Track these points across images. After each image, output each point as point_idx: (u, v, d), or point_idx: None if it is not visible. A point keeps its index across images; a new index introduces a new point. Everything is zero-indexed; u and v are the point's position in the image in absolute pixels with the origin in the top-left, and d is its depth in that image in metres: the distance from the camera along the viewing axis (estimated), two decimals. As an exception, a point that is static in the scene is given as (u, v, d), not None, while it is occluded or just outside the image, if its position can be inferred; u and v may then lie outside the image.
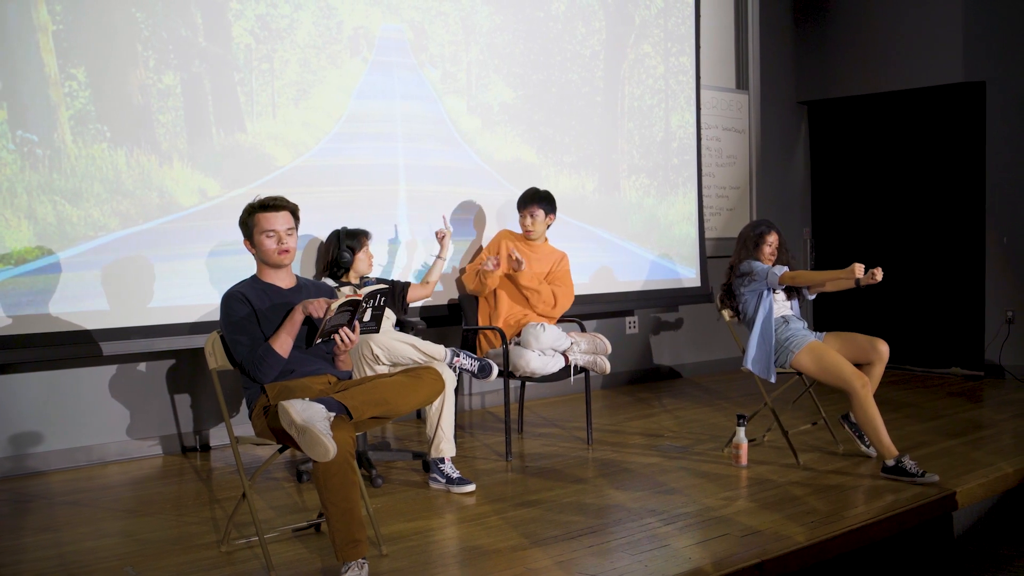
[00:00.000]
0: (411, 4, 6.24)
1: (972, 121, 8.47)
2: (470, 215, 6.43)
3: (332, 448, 3.33)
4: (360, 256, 5.31)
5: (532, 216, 5.90)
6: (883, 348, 5.29)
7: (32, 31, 4.92)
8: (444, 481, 4.80)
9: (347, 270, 5.30)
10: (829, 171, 9.59)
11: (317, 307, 3.73)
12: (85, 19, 5.08)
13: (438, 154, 6.36)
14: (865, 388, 5.04)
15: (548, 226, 5.99)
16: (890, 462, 4.93)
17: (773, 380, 5.35)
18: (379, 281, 5.53)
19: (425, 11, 6.30)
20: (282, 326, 3.77)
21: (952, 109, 8.65)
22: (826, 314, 9.38)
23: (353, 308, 3.74)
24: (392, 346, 4.86)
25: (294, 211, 3.93)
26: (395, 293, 5.57)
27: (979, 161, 8.41)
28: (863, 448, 5.43)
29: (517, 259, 5.73)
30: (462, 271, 6.29)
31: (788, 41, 9.41)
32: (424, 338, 5.06)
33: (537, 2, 6.89)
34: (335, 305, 3.67)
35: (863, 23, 8.96)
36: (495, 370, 5.20)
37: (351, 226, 5.39)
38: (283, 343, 3.75)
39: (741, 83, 8.88)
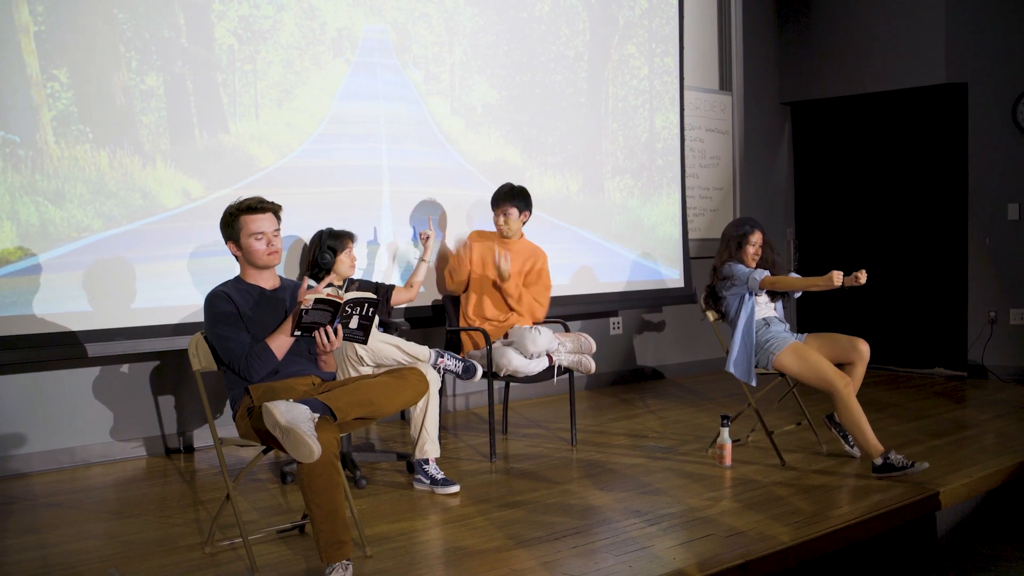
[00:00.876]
0: (394, 5, 6.23)
1: (955, 122, 8.51)
2: (444, 214, 6.41)
3: (317, 449, 3.32)
4: (342, 258, 5.31)
5: (506, 215, 5.85)
6: (864, 348, 5.30)
7: (14, 32, 4.90)
8: (428, 482, 4.79)
9: (328, 271, 5.29)
10: (812, 172, 9.61)
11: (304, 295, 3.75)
12: (67, 20, 5.06)
13: (422, 155, 6.36)
14: (848, 388, 5.05)
15: (524, 223, 5.96)
16: (878, 461, 4.95)
17: (754, 383, 5.37)
18: (363, 285, 5.50)
19: (408, 12, 6.30)
20: (280, 328, 3.77)
21: (935, 110, 8.68)
22: (809, 315, 9.41)
23: (333, 309, 3.72)
24: (376, 347, 4.86)
25: (277, 212, 3.93)
26: (379, 296, 5.55)
27: (961, 162, 8.45)
28: (847, 448, 5.44)
29: (502, 263, 5.70)
30: (440, 277, 6.27)
31: (771, 42, 9.44)
32: (408, 339, 5.06)
33: (521, 3, 6.89)
34: (311, 297, 3.65)
35: (846, 24, 8.99)
36: (479, 371, 5.20)
37: (335, 227, 5.38)
38: (280, 344, 3.75)
39: (724, 84, 8.90)
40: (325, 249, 5.27)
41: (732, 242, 5.52)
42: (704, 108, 8.68)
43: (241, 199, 3.91)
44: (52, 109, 5.02)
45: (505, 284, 5.75)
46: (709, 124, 8.74)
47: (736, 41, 8.87)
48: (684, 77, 8.06)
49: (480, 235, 5.98)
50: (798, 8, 9.33)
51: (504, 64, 6.81)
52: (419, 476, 4.84)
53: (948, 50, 8.31)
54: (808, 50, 9.28)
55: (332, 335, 3.76)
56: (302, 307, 3.66)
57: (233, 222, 3.87)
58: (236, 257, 3.93)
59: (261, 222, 3.85)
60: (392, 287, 5.68)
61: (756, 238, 5.51)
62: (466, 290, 5.88)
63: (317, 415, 3.47)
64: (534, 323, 5.85)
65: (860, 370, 5.30)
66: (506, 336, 5.70)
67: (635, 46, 7.67)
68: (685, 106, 8.09)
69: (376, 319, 5.32)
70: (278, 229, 3.91)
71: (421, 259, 5.92)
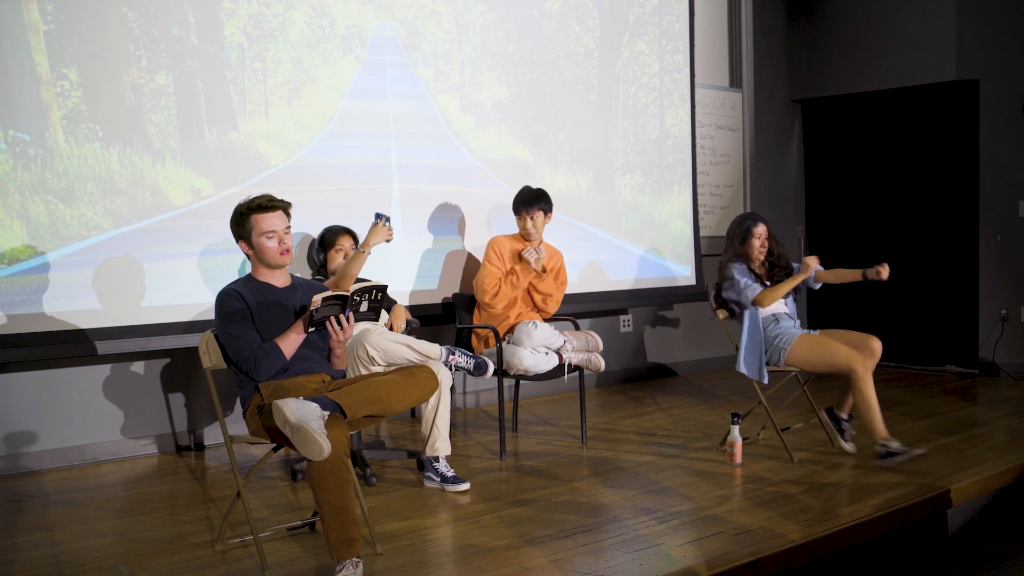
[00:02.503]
0: (404, 3, 6.23)
1: (965, 119, 8.47)
2: (456, 215, 6.41)
3: (326, 447, 3.32)
4: (331, 254, 5.29)
5: (533, 218, 5.78)
6: (876, 345, 5.29)
7: (23, 31, 4.91)
8: (438, 480, 4.79)
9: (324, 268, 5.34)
10: (822, 169, 9.59)
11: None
12: (76, 18, 5.07)
13: (431, 153, 6.36)
14: (865, 368, 5.06)
15: (546, 224, 5.94)
16: (879, 448, 5.00)
17: (765, 381, 5.36)
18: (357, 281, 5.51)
19: (418, 10, 6.30)
20: (291, 328, 3.78)
21: (945, 107, 8.65)
22: (821, 312, 9.38)
23: (341, 302, 3.73)
24: (387, 346, 4.85)
25: (287, 209, 3.92)
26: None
27: (972, 159, 8.42)
28: (843, 443, 5.44)
29: (537, 256, 5.71)
30: (473, 280, 6.23)
31: (781, 39, 9.42)
32: (418, 337, 5.06)
33: (530, 1, 6.88)
34: (319, 298, 3.66)
35: (856, 21, 8.96)
36: (491, 368, 5.19)
37: (340, 225, 5.39)
38: (290, 344, 3.76)
39: (735, 81, 8.88)
40: (318, 249, 5.31)
41: (736, 239, 5.54)
42: (714, 105, 8.66)
43: (251, 197, 3.90)
44: (62, 108, 5.03)
45: (536, 279, 5.77)
46: (719, 121, 8.73)
47: (746, 38, 8.85)
48: (695, 74, 8.04)
49: (509, 239, 5.91)
50: (808, 5, 9.31)
51: (514, 61, 6.81)
52: (429, 474, 4.84)
53: (959, 47, 8.28)
54: (818, 47, 9.26)
55: (344, 322, 3.77)
56: (312, 308, 3.67)
57: (244, 221, 3.86)
58: (248, 256, 3.92)
59: (272, 220, 3.84)
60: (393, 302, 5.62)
61: (760, 231, 5.52)
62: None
63: (327, 413, 3.47)
64: (544, 318, 5.87)
65: (870, 367, 5.29)
66: (511, 332, 5.68)
67: (645, 43, 7.66)
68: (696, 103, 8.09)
69: (386, 316, 5.34)
70: (289, 227, 3.90)
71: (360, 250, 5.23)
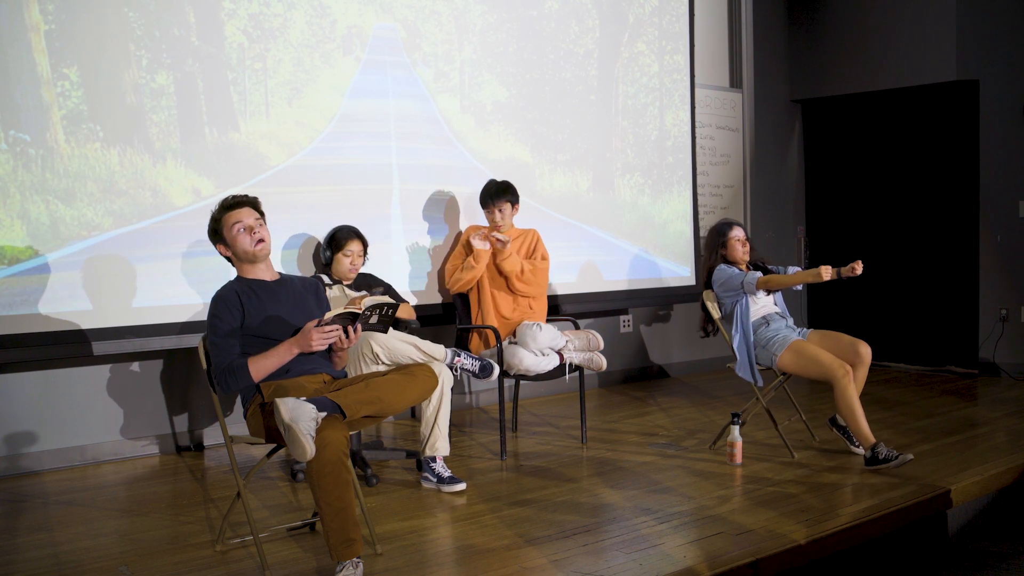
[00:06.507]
0: (404, 3, 6.23)
1: (966, 119, 8.48)
2: (456, 216, 6.41)
3: (310, 449, 3.32)
4: (339, 257, 5.30)
5: (501, 211, 5.83)
6: (865, 351, 5.29)
7: (24, 31, 4.91)
8: (435, 480, 4.79)
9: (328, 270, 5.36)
10: (823, 169, 9.59)
11: (319, 342, 3.71)
12: (77, 18, 5.06)
13: (431, 153, 6.36)
14: (847, 377, 5.07)
15: (514, 216, 5.94)
16: (867, 453, 5.00)
17: (760, 384, 5.39)
18: (370, 280, 5.51)
19: (418, 10, 6.30)
20: (271, 352, 3.74)
21: (946, 107, 8.66)
22: (820, 311, 9.39)
23: (352, 318, 3.76)
24: (393, 345, 4.85)
25: (255, 205, 3.96)
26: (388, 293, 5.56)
27: (972, 159, 8.42)
28: (852, 448, 5.43)
29: (499, 239, 5.69)
30: (441, 272, 6.25)
31: (782, 40, 9.42)
32: (419, 337, 5.06)
33: (530, 1, 6.88)
34: (329, 316, 3.70)
35: (857, 21, 8.97)
36: (496, 370, 5.20)
37: (347, 224, 5.39)
38: (261, 368, 3.72)
39: (735, 82, 8.88)
40: (325, 248, 5.33)
41: (717, 247, 5.58)
42: (714, 106, 8.67)
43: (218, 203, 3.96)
44: (62, 108, 5.03)
45: (505, 264, 5.74)
46: (719, 122, 8.73)
47: (746, 38, 8.86)
48: (695, 74, 8.04)
49: (477, 229, 5.95)
50: (808, 5, 9.31)
51: (514, 62, 6.81)
52: (426, 474, 4.84)
53: (959, 47, 8.28)
54: (818, 47, 9.26)
55: (351, 332, 3.78)
56: (323, 321, 3.71)
57: (217, 225, 3.93)
58: (229, 259, 3.96)
59: (239, 214, 3.89)
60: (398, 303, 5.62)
61: (737, 232, 5.57)
62: (475, 288, 5.87)
63: (323, 413, 3.46)
64: (538, 314, 5.86)
65: (861, 373, 5.30)
66: (514, 334, 5.69)
67: (645, 44, 7.66)
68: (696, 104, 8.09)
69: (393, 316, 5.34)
70: (261, 220, 3.93)
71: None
